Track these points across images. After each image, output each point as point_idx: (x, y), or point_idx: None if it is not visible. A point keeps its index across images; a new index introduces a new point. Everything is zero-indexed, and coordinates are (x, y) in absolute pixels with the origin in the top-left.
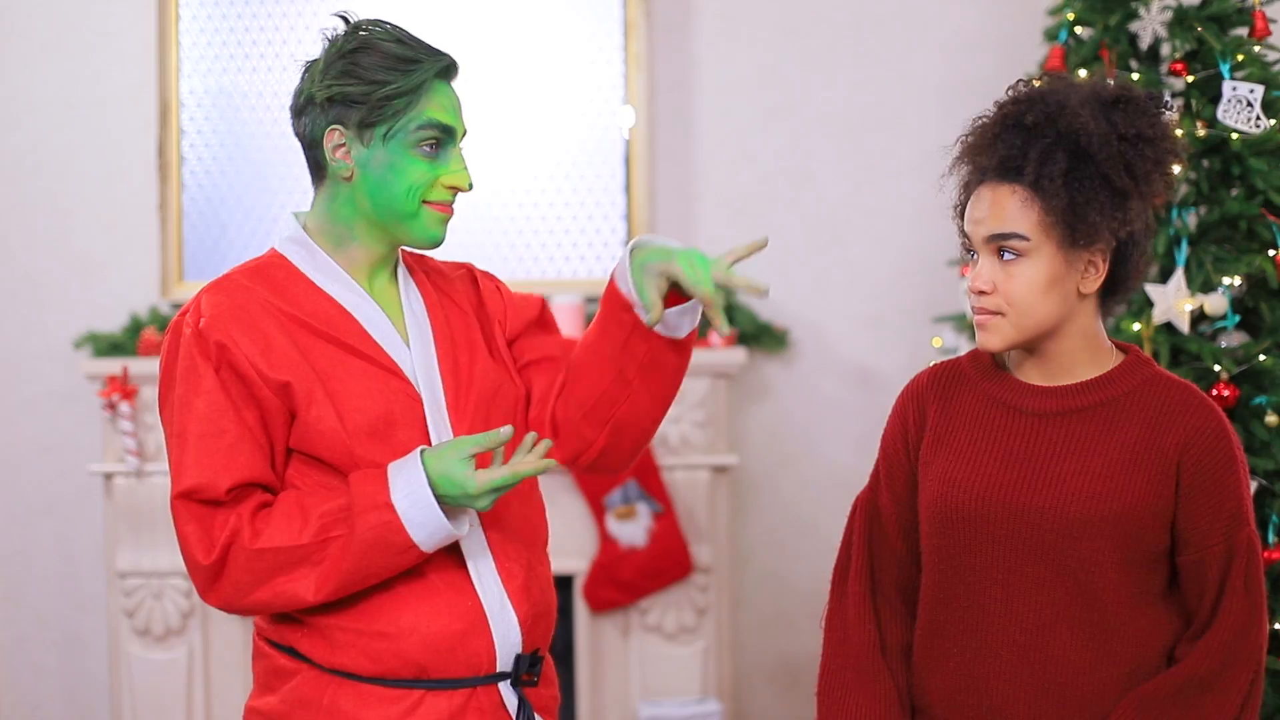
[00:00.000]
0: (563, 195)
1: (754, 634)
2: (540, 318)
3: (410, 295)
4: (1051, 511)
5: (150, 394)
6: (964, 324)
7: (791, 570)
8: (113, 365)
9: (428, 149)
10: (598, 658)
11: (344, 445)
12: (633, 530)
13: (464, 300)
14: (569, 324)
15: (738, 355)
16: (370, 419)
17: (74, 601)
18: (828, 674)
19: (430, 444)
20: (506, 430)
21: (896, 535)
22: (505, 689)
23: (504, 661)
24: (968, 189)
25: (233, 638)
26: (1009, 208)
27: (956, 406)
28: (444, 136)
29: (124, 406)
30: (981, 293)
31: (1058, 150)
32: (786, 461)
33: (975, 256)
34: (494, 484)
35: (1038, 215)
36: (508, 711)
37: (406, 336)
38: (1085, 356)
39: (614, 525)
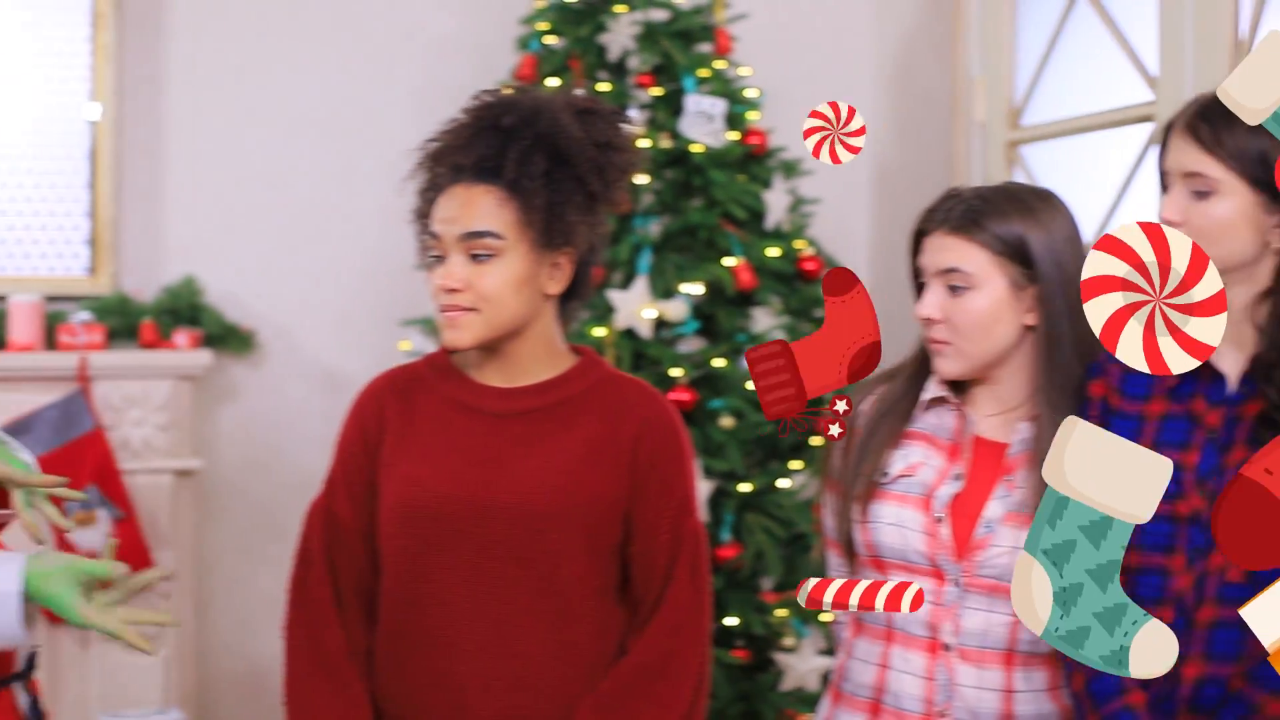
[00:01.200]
0: (24, 190)
1: (219, 641)
2: None
3: None
4: (516, 507)
5: None
6: (431, 327)
7: (259, 575)
8: None
9: None
10: (55, 668)
11: None
12: (92, 536)
13: None
14: (28, 324)
15: (203, 357)
16: None
17: None
18: (294, 681)
19: None
20: (122, 567)
21: (356, 540)
22: (19, 689)
23: (20, 662)
24: (437, 190)
25: None
26: (484, 206)
27: (417, 409)
28: None
29: None
30: (453, 290)
31: (537, 152)
32: (255, 465)
33: (441, 259)
34: (100, 627)
35: (513, 215)
36: (21, 711)
37: None
38: (542, 357)
39: (73, 531)
